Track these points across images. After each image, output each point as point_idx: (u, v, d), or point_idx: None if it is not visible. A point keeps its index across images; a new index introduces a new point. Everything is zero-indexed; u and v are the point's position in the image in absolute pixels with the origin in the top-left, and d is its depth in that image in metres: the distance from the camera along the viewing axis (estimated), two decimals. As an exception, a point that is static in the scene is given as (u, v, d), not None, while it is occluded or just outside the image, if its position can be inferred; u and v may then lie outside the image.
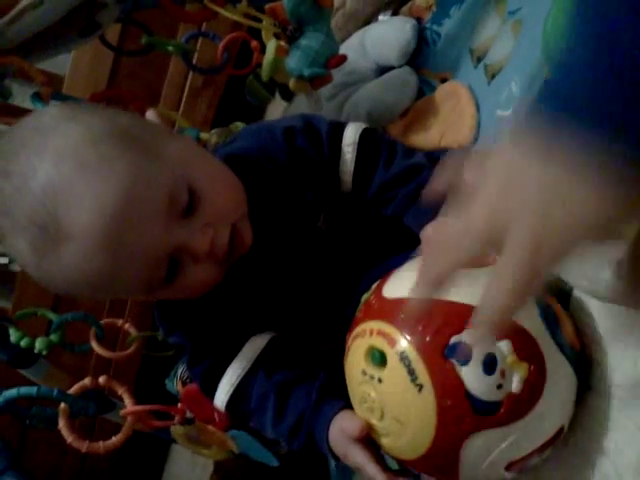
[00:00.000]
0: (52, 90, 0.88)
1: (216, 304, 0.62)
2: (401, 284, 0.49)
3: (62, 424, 0.71)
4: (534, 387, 0.43)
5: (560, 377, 0.45)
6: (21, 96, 1.32)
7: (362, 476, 0.71)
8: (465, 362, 0.42)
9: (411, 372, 0.44)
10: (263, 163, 0.63)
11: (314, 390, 0.60)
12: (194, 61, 1.35)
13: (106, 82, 1.51)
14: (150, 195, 0.52)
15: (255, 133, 0.66)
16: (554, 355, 0.44)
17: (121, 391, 0.77)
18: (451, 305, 0.44)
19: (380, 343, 0.46)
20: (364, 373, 0.48)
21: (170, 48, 1.16)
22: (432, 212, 0.58)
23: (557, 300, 0.49)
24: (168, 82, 1.53)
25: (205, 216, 0.55)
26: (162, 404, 0.81)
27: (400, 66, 0.96)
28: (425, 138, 0.85)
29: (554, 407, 0.45)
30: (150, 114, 0.68)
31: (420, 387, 0.43)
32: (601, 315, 0.48)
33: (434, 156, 0.67)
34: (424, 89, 0.93)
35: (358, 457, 0.53)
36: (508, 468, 0.45)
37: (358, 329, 0.50)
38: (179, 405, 0.80)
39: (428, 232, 0.47)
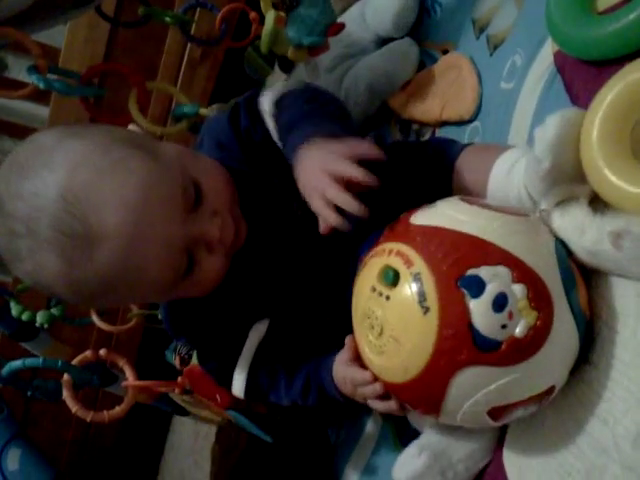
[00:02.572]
0: (48, 63, 0.87)
1: (218, 299, 0.64)
2: (430, 214, 0.50)
3: (66, 394, 0.72)
4: (537, 337, 0.43)
5: (564, 336, 0.45)
6: (17, 68, 1.31)
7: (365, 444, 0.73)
8: (476, 295, 0.43)
9: (421, 294, 0.44)
10: (225, 157, 0.64)
11: (314, 350, 0.63)
12: (192, 32, 1.34)
13: (102, 54, 1.49)
14: (167, 188, 0.55)
15: (210, 129, 0.67)
16: (564, 313, 0.44)
17: (122, 363, 0.78)
18: (476, 240, 0.45)
19: (396, 263, 0.47)
20: (373, 289, 0.48)
21: (167, 19, 1.15)
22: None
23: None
24: (166, 54, 1.51)
25: (210, 206, 0.58)
26: (163, 373, 0.82)
27: (400, 37, 0.94)
28: (426, 111, 0.84)
29: (551, 363, 0.45)
30: (132, 126, 0.70)
31: (426, 309, 0.44)
32: (615, 291, 0.47)
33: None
34: (425, 60, 0.91)
35: (355, 374, 0.55)
36: (490, 413, 0.46)
37: (377, 249, 0.50)
38: (179, 379, 0.81)
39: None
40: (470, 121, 0.78)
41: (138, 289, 0.59)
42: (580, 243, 0.47)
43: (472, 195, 0.59)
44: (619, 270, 0.46)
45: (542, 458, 0.50)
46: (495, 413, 0.46)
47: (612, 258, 0.45)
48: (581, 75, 0.59)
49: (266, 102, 0.63)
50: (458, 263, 0.44)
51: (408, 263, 0.46)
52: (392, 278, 0.46)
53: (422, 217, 0.50)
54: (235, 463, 0.90)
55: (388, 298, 0.47)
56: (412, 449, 0.58)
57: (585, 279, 0.49)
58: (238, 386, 0.67)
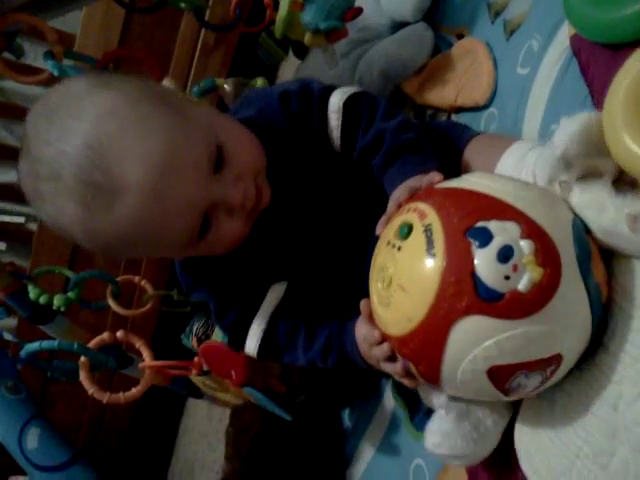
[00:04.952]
0: (64, 48, 0.88)
1: (239, 258, 0.65)
2: (453, 180, 0.52)
3: (83, 376, 0.73)
4: (541, 294, 0.43)
5: (572, 302, 0.44)
6: (33, 54, 1.32)
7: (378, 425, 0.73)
8: (482, 245, 0.43)
9: (429, 242, 0.45)
10: (267, 128, 0.65)
11: (337, 311, 0.64)
12: (206, 18, 1.34)
13: (117, 40, 1.49)
14: (192, 148, 0.55)
15: (254, 100, 0.67)
16: (573, 278, 0.44)
17: (138, 344, 0.79)
18: (491, 198, 0.46)
19: (412, 218, 0.48)
20: (388, 243, 0.50)
21: (182, 4, 1.15)
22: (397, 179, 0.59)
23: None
24: (180, 40, 1.52)
25: (233, 170, 0.58)
26: (178, 357, 0.83)
27: (415, 21, 0.93)
28: (440, 96, 0.84)
29: (555, 327, 0.44)
30: (167, 81, 0.70)
31: (432, 256, 0.45)
32: (631, 274, 0.47)
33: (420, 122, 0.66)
34: (440, 45, 0.91)
35: (367, 332, 0.56)
36: (490, 374, 0.46)
37: (399, 210, 0.52)
38: (195, 359, 0.82)
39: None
40: (486, 107, 0.77)
41: (153, 244, 0.60)
42: (597, 221, 0.47)
43: None
44: (634, 252, 0.46)
45: (551, 441, 0.50)
46: (496, 375, 0.46)
47: (628, 240, 0.45)
48: (597, 59, 0.59)
49: (334, 101, 0.63)
50: (469, 215, 0.45)
51: (422, 216, 0.47)
52: (406, 231, 0.48)
53: (445, 183, 0.52)
54: (249, 445, 0.92)
55: (400, 248, 0.48)
56: (439, 412, 0.58)
57: (621, 263, 0.48)
58: (252, 344, 0.67)
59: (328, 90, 0.64)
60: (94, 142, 0.52)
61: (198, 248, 0.60)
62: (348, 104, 0.63)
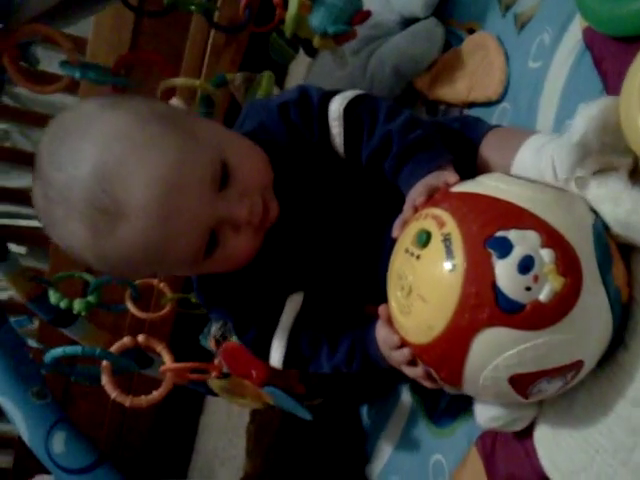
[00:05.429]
0: (77, 54, 0.89)
1: (253, 273, 0.65)
2: (469, 184, 0.51)
3: (106, 380, 0.74)
4: (563, 304, 0.43)
5: (593, 308, 0.44)
6: (47, 60, 1.33)
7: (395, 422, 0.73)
8: (502, 256, 0.43)
9: (449, 252, 0.45)
10: (269, 140, 0.64)
11: (356, 317, 0.65)
12: (215, 19, 1.34)
13: (129, 43, 1.50)
14: (197, 168, 0.55)
15: (255, 112, 0.67)
16: (595, 285, 0.44)
17: (159, 348, 0.79)
18: (510, 205, 0.46)
19: (430, 225, 0.48)
20: (406, 251, 0.50)
21: (192, 7, 1.15)
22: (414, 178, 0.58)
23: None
24: (190, 41, 1.52)
25: (239, 186, 0.58)
26: (196, 358, 0.84)
27: (426, 17, 0.93)
28: (452, 92, 0.84)
29: (577, 335, 0.44)
30: (175, 101, 0.70)
31: (453, 267, 0.45)
32: None
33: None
34: (451, 40, 0.90)
35: (387, 336, 0.56)
36: (512, 382, 0.46)
37: (416, 215, 0.52)
38: (215, 362, 0.82)
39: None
40: (498, 102, 0.77)
41: (158, 264, 0.61)
42: (614, 214, 0.47)
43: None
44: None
45: (571, 438, 0.50)
46: (517, 383, 0.46)
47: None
48: (611, 52, 0.58)
49: (334, 108, 0.62)
50: (488, 224, 0.45)
51: (441, 224, 0.47)
52: (425, 239, 0.47)
53: (461, 186, 0.51)
54: (270, 442, 0.92)
55: (419, 257, 0.48)
56: None
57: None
58: (277, 356, 0.67)
59: (327, 97, 0.63)
60: (102, 166, 0.53)
61: (207, 266, 0.61)
62: (348, 110, 0.62)
